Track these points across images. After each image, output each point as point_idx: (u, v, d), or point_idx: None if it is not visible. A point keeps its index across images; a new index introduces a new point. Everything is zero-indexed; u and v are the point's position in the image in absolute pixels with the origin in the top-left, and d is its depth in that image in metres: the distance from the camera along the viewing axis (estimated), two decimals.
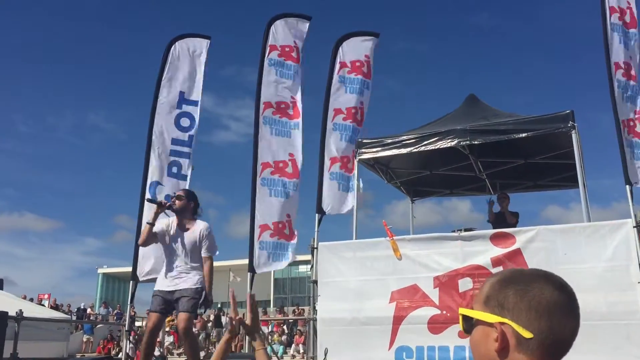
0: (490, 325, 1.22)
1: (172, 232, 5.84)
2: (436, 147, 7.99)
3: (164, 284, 5.79)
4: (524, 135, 7.53)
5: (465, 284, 6.68)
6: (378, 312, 6.98)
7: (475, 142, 7.92)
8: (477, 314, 1.25)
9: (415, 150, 8.15)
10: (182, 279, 5.72)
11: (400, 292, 7.08)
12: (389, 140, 8.28)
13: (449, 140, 7.84)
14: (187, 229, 5.85)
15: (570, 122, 7.26)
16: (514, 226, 8.37)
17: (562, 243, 6.49)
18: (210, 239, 5.86)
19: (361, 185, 8.39)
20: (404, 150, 8.20)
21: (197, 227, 5.85)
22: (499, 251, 6.65)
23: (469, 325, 1.28)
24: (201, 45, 9.50)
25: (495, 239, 6.79)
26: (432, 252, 7.06)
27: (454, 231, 7.44)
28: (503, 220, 8.72)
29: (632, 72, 7.17)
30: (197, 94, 9.27)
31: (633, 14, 7.37)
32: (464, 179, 10.65)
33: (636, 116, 7.03)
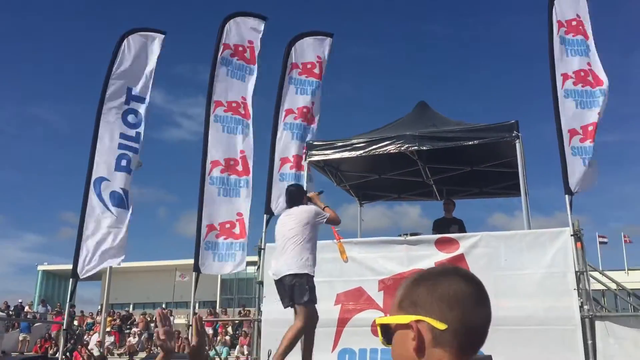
0: (407, 326, 1.22)
1: None
2: (385, 152, 8.09)
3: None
4: (470, 143, 7.70)
5: None
6: (323, 314, 6.95)
7: (424, 148, 8.05)
8: (392, 318, 1.26)
9: (364, 154, 8.22)
10: None
11: (345, 294, 7.13)
12: (340, 143, 8.33)
13: (398, 146, 7.94)
14: None
15: (515, 131, 7.47)
16: (458, 232, 8.56)
17: (504, 249, 6.68)
18: None
19: (313, 187, 8.40)
20: (354, 154, 8.26)
21: None
22: (443, 256, 6.78)
23: (388, 335, 1.28)
24: (154, 41, 9.29)
25: (439, 244, 6.92)
26: (378, 255, 7.14)
27: (400, 235, 7.56)
28: (447, 226, 8.87)
29: (580, 83, 7.30)
30: (146, 90, 9.08)
31: (582, 23, 7.54)
32: (412, 184, 10.80)
33: (585, 124, 7.15)
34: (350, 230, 11.35)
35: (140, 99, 8.99)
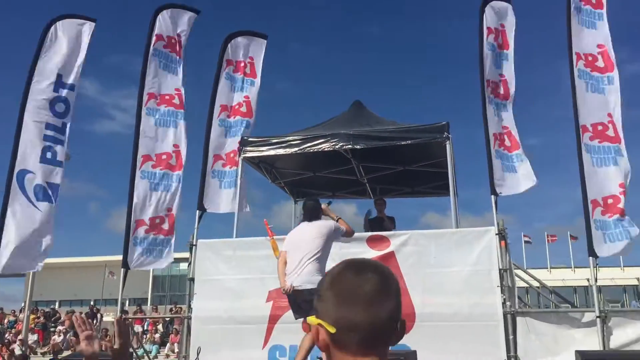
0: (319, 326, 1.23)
1: None
2: (320, 150, 8.14)
3: None
4: (403, 143, 7.86)
5: None
6: (255, 311, 6.98)
7: (358, 147, 8.15)
8: (310, 319, 1.26)
9: (299, 151, 8.24)
10: None
11: (277, 291, 7.09)
12: (275, 140, 8.31)
13: (333, 144, 8.01)
14: None
15: (446, 133, 7.67)
16: (391, 230, 8.72)
17: (433, 247, 6.84)
18: None
19: (245, 183, 8.34)
20: (289, 151, 8.27)
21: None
22: (374, 253, 6.88)
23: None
24: (84, 28, 8.94)
25: (371, 241, 7.02)
26: None
27: None
28: (380, 224, 9.02)
29: (502, 90, 7.62)
30: (75, 79, 8.72)
31: (505, 36, 7.86)
32: (346, 182, 10.91)
33: (504, 130, 7.46)
34: (286, 227, 11.38)
35: (69, 87, 8.61)
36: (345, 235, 5.90)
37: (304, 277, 5.53)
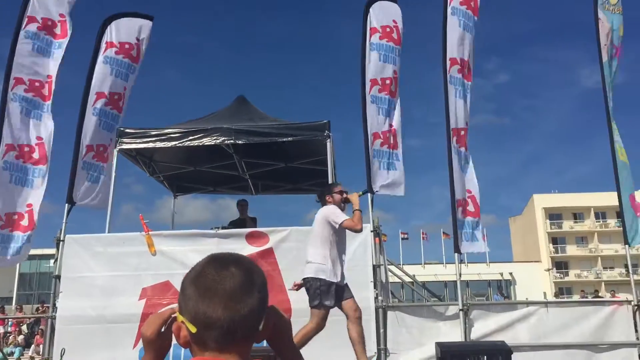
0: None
1: None
2: (201, 144, 7.98)
3: (334, 278, 5.58)
4: (284, 139, 7.90)
5: None
6: (126, 309, 6.70)
7: (240, 142, 8.08)
8: (179, 316, 1.21)
9: (179, 144, 8.02)
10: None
11: (152, 288, 6.90)
12: (154, 132, 8.03)
13: (214, 138, 7.88)
14: None
15: (327, 131, 7.81)
16: None
17: None
18: None
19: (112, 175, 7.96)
20: (168, 144, 8.02)
21: None
22: (252, 249, 6.85)
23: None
24: None
25: (250, 237, 6.99)
26: (188, 248, 7.00)
27: (212, 229, 7.51)
28: (242, 225, 8.96)
29: (392, 88, 7.72)
30: None
31: (395, 29, 7.96)
32: (228, 178, 10.80)
33: (392, 129, 7.60)
34: (166, 223, 11.06)
35: None
36: (348, 229, 5.67)
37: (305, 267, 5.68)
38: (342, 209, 5.73)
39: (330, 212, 5.60)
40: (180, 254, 6.97)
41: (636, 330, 6.70)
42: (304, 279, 5.68)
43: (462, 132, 7.29)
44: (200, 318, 1.15)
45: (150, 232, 7.11)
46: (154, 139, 7.98)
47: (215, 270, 1.20)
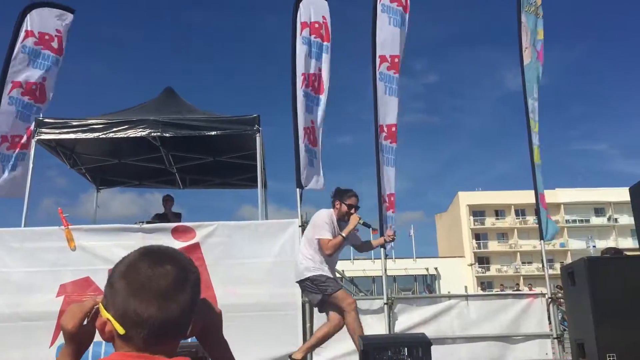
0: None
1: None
2: (126, 136, 7.73)
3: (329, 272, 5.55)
4: (213, 133, 7.77)
5: None
6: (42, 306, 6.42)
7: (167, 135, 7.90)
8: (103, 312, 1.16)
9: (103, 136, 7.74)
10: None
11: (70, 285, 6.64)
12: (75, 123, 7.71)
13: (140, 130, 7.66)
14: None
15: (256, 125, 7.75)
16: None
17: (238, 238, 6.86)
18: None
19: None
20: (90, 135, 7.72)
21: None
22: (178, 244, 6.72)
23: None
24: None
25: (176, 232, 6.85)
26: (111, 243, 6.79)
27: (136, 223, 7.31)
28: (166, 221, 8.81)
29: (317, 84, 7.75)
30: None
31: (323, 25, 7.98)
32: (154, 171, 10.53)
33: (312, 125, 7.64)
34: (100, 217, 10.68)
35: None
36: (320, 245, 5.54)
37: None
38: (344, 220, 5.67)
39: (318, 222, 5.58)
40: (102, 249, 6.74)
41: (549, 322, 7.05)
42: (298, 283, 5.67)
43: (394, 129, 7.39)
44: (130, 316, 1.10)
45: (69, 227, 6.84)
46: (75, 129, 7.67)
47: (149, 265, 1.15)
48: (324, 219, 5.56)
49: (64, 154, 9.18)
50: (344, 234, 5.51)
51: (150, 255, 1.18)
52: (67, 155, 9.27)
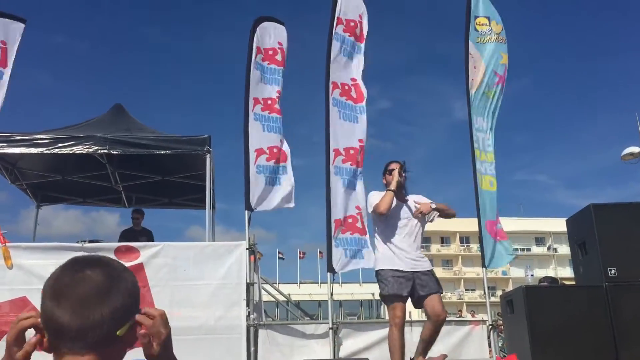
0: None
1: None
2: (72, 152, 7.57)
3: (401, 264, 5.21)
4: (162, 152, 7.70)
5: None
6: None
7: (114, 152, 7.77)
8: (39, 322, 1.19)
9: (48, 151, 7.56)
10: (422, 257, 5.38)
11: (7, 304, 6.39)
12: (19, 137, 7.51)
13: (87, 147, 7.52)
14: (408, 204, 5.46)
15: (207, 146, 7.72)
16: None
17: (183, 260, 6.76)
18: None
19: None
20: (34, 150, 7.54)
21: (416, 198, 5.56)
22: None
23: None
24: None
25: (119, 252, 6.69)
26: (50, 262, 6.54)
27: (78, 242, 7.12)
28: (135, 237, 8.65)
29: (276, 106, 7.75)
30: None
31: (280, 51, 8.04)
32: (100, 189, 10.29)
33: (273, 144, 7.58)
34: (41, 235, 10.30)
35: None
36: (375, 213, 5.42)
37: None
38: (400, 187, 5.46)
39: (369, 200, 5.57)
40: (40, 267, 6.51)
41: (490, 348, 7.20)
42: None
43: (352, 151, 7.39)
44: (51, 324, 1.12)
45: (7, 244, 6.60)
46: (18, 144, 7.46)
47: (70, 273, 1.16)
48: (370, 195, 5.59)
49: (5, 169, 8.90)
50: (391, 188, 5.35)
51: (75, 263, 1.20)
52: (8, 170, 8.99)
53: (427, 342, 5.30)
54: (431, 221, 5.70)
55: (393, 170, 5.48)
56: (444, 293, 5.63)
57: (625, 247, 5.34)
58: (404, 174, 5.51)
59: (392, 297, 5.18)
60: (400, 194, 5.51)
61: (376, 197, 5.47)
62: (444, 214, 5.63)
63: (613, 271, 5.23)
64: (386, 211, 5.32)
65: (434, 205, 5.48)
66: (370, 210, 5.55)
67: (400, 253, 5.27)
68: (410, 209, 5.50)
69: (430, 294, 5.18)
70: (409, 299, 5.31)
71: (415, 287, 5.20)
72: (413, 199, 5.60)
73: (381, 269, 5.32)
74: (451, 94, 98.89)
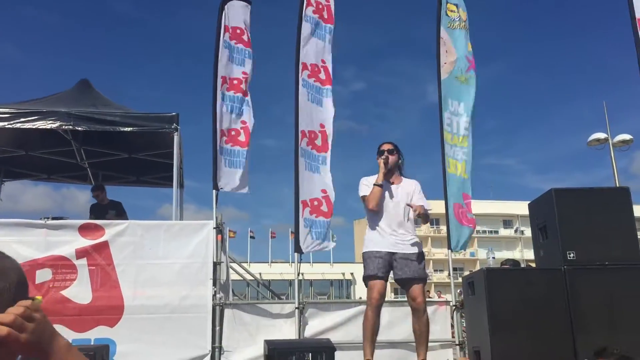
0: None
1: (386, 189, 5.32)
2: (35, 127, 7.40)
3: (382, 244, 5.21)
4: (128, 129, 7.57)
5: (44, 275, 6.29)
6: None
7: (79, 129, 7.62)
8: None
9: (9, 126, 7.37)
10: (408, 240, 5.31)
11: None
12: None
13: (50, 122, 7.36)
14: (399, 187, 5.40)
15: (175, 124, 7.62)
16: (116, 216, 8.39)
17: (149, 238, 6.70)
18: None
19: None
20: None
21: (410, 184, 5.47)
22: (85, 242, 6.49)
23: None
24: None
25: (83, 230, 6.59)
26: (12, 239, 6.44)
27: (41, 219, 6.99)
28: (103, 211, 8.59)
29: (242, 86, 7.67)
30: None
31: (245, 32, 7.93)
32: (65, 165, 10.11)
33: (242, 126, 7.52)
34: (13, 211, 10.12)
35: None
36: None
37: None
38: (391, 172, 5.42)
39: (359, 186, 5.43)
40: (1, 245, 6.39)
41: (452, 329, 7.32)
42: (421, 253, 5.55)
43: (319, 135, 7.39)
44: None
45: None
46: None
47: None
48: (360, 183, 5.43)
49: None
50: (378, 182, 5.27)
51: None
52: None
53: (416, 336, 5.32)
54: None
55: (384, 152, 5.42)
56: None
57: (585, 232, 5.45)
58: (396, 156, 5.46)
59: (368, 278, 5.22)
60: (391, 176, 5.47)
61: (365, 188, 5.38)
62: (423, 220, 5.64)
63: (572, 255, 5.34)
64: (376, 207, 5.29)
65: (427, 211, 5.53)
66: (360, 195, 5.48)
67: (384, 234, 5.29)
68: (402, 194, 5.44)
69: (410, 278, 5.22)
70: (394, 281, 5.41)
71: (393, 268, 5.25)
72: (406, 186, 5.53)
73: (364, 251, 5.36)
74: (425, 77, 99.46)
